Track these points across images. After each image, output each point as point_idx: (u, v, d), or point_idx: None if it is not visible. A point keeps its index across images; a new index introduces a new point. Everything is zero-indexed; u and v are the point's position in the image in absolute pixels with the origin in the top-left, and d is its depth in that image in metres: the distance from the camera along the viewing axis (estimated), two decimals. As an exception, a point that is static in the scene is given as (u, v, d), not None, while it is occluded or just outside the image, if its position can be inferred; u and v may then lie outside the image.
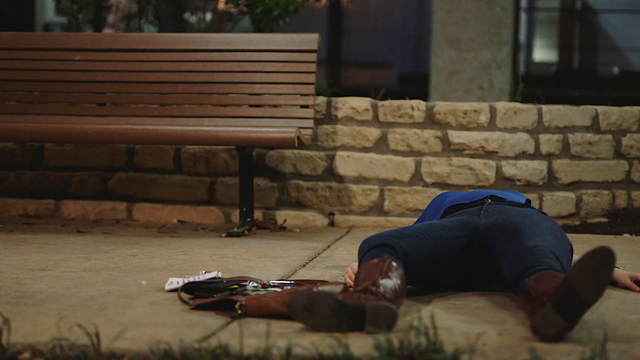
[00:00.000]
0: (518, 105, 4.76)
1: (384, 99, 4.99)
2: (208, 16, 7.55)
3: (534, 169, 4.74)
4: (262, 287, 2.97)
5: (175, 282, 3.01)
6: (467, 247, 3.03)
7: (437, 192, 4.66)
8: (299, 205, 4.83)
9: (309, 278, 3.26)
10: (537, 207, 4.62)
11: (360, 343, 2.31)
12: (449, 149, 4.73)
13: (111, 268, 3.43)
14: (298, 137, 4.17)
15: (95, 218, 4.93)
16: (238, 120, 4.54)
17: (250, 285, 2.98)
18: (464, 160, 4.71)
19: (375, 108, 4.79)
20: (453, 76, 8.85)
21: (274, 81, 4.59)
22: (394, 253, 2.83)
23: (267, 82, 4.60)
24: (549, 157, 4.79)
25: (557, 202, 4.78)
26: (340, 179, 4.81)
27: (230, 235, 4.36)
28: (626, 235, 4.60)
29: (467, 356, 2.21)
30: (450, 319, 2.66)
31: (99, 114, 4.70)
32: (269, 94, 4.60)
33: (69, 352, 2.26)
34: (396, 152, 4.77)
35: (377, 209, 4.78)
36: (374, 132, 4.78)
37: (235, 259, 3.71)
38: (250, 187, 4.54)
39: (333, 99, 4.84)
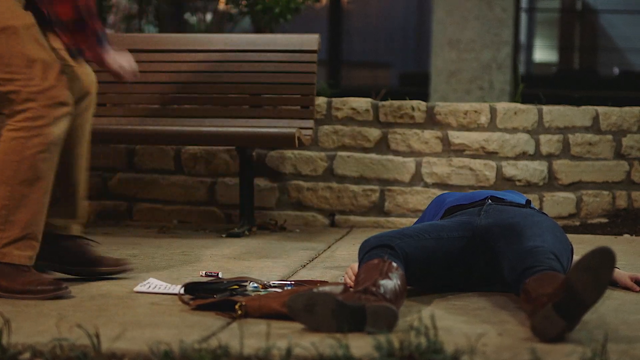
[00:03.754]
0: (518, 105, 4.76)
1: (384, 99, 4.98)
2: (208, 17, 7.56)
3: (534, 169, 4.73)
4: (262, 288, 2.97)
5: (150, 285, 3.00)
6: (467, 248, 3.03)
7: (438, 192, 4.65)
8: (299, 205, 4.83)
9: (309, 278, 3.26)
10: (537, 207, 4.62)
11: (360, 343, 2.31)
12: (450, 149, 4.73)
13: (111, 268, 3.43)
14: (298, 137, 4.17)
15: (95, 218, 4.93)
16: (238, 121, 4.54)
17: (251, 285, 2.99)
18: (464, 161, 4.71)
19: (375, 108, 4.79)
20: (453, 76, 8.85)
21: (274, 81, 4.59)
22: (394, 253, 2.83)
23: (268, 83, 4.59)
24: (549, 157, 4.79)
25: (557, 203, 4.78)
26: (340, 179, 4.80)
27: (230, 235, 4.36)
28: (626, 235, 4.60)
29: (468, 357, 2.21)
30: (451, 319, 2.66)
31: (99, 114, 4.67)
32: (270, 94, 4.59)
33: (69, 352, 2.27)
34: (396, 153, 4.77)
35: (377, 209, 4.78)
36: (374, 133, 4.78)
37: (235, 259, 3.71)
38: (251, 187, 4.54)
39: (333, 99, 4.84)
